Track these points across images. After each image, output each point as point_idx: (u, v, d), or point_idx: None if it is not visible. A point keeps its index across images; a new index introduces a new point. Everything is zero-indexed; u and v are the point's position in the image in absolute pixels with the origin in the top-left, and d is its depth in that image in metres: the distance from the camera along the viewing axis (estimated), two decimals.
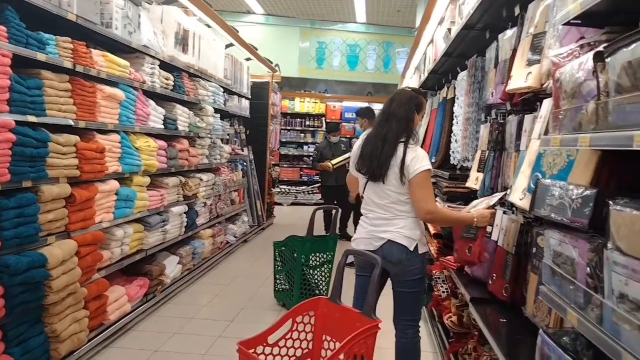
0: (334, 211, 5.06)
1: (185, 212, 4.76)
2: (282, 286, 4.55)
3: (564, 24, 1.59)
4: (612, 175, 1.41)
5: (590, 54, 1.26)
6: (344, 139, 7.70)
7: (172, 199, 4.51)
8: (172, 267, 4.46)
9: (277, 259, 4.56)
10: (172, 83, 4.54)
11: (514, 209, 2.31)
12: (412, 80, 7.40)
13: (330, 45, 12.83)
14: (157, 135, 4.26)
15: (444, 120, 4.22)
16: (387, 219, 2.52)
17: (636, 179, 1.36)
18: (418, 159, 2.42)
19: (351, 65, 12.91)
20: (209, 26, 5.75)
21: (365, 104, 11.12)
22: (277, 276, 4.58)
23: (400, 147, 2.46)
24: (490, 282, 2.34)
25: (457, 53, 3.90)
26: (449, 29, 4.00)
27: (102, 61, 3.34)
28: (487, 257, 2.51)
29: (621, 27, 1.44)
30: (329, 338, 2.23)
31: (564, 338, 1.38)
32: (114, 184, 3.46)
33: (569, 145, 1.35)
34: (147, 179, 4.00)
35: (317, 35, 12.79)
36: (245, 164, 7.68)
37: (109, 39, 3.50)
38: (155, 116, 4.18)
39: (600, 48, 1.24)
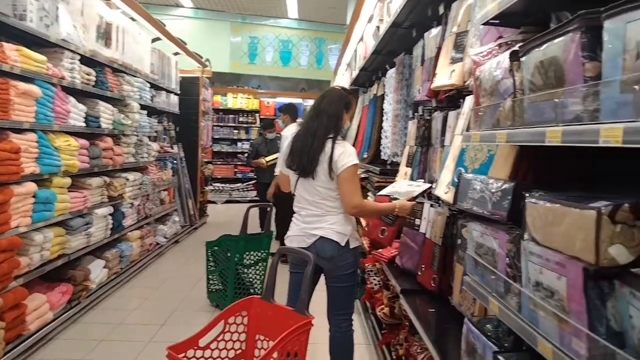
0: (268, 209, 5.02)
1: (110, 214, 4.55)
2: (216, 287, 4.46)
3: (483, 24, 1.66)
4: (529, 170, 1.48)
5: (507, 53, 1.31)
6: (280, 135, 7.62)
7: (96, 201, 4.30)
8: (97, 271, 4.25)
9: (210, 259, 4.46)
10: (94, 79, 4.31)
11: (440, 202, 2.38)
12: (344, 77, 7.47)
13: (262, 40, 12.71)
14: (78, 134, 4.04)
15: (375, 116, 4.29)
16: (319, 215, 2.53)
17: (552, 173, 1.43)
18: (346, 154, 2.46)
19: (284, 61, 12.87)
20: (133, 19, 5.52)
21: (299, 100, 11.15)
22: (210, 277, 4.48)
23: (329, 143, 2.48)
24: (419, 273, 2.41)
25: (386, 51, 3.97)
26: (378, 27, 4.06)
27: (15, 56, 3.11)
28: (397, 243, 2.61)
29: (536, 28, 1.51)
30: (262, 337, 2.21)
31: (487, 326, 1.45)
32: (31, 186, 3.24)
33: (489, 141, 1.41)
34: (68, 180, 3.78)
35: (249, 30, 12.63)
36: (175, 162, 7.46)
37: (24, 33, 3.27)
38: (76, 113, 3.95)
39: (516, 47, 1.29)
